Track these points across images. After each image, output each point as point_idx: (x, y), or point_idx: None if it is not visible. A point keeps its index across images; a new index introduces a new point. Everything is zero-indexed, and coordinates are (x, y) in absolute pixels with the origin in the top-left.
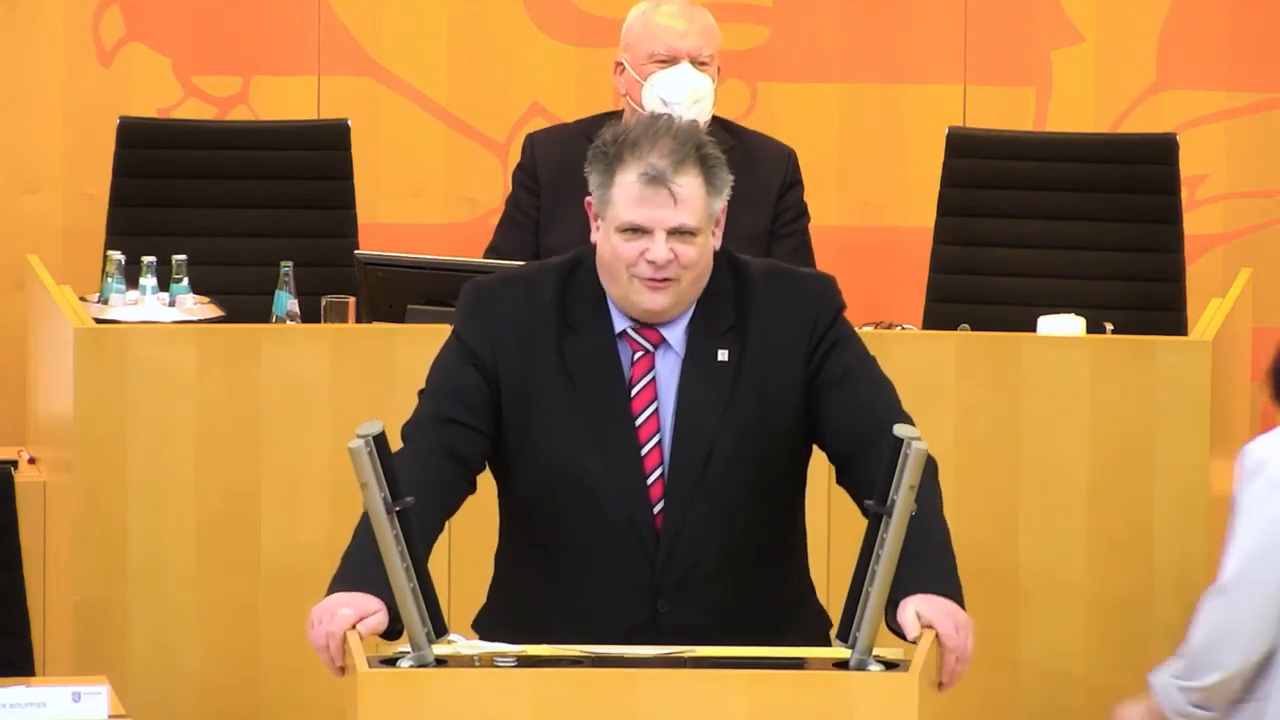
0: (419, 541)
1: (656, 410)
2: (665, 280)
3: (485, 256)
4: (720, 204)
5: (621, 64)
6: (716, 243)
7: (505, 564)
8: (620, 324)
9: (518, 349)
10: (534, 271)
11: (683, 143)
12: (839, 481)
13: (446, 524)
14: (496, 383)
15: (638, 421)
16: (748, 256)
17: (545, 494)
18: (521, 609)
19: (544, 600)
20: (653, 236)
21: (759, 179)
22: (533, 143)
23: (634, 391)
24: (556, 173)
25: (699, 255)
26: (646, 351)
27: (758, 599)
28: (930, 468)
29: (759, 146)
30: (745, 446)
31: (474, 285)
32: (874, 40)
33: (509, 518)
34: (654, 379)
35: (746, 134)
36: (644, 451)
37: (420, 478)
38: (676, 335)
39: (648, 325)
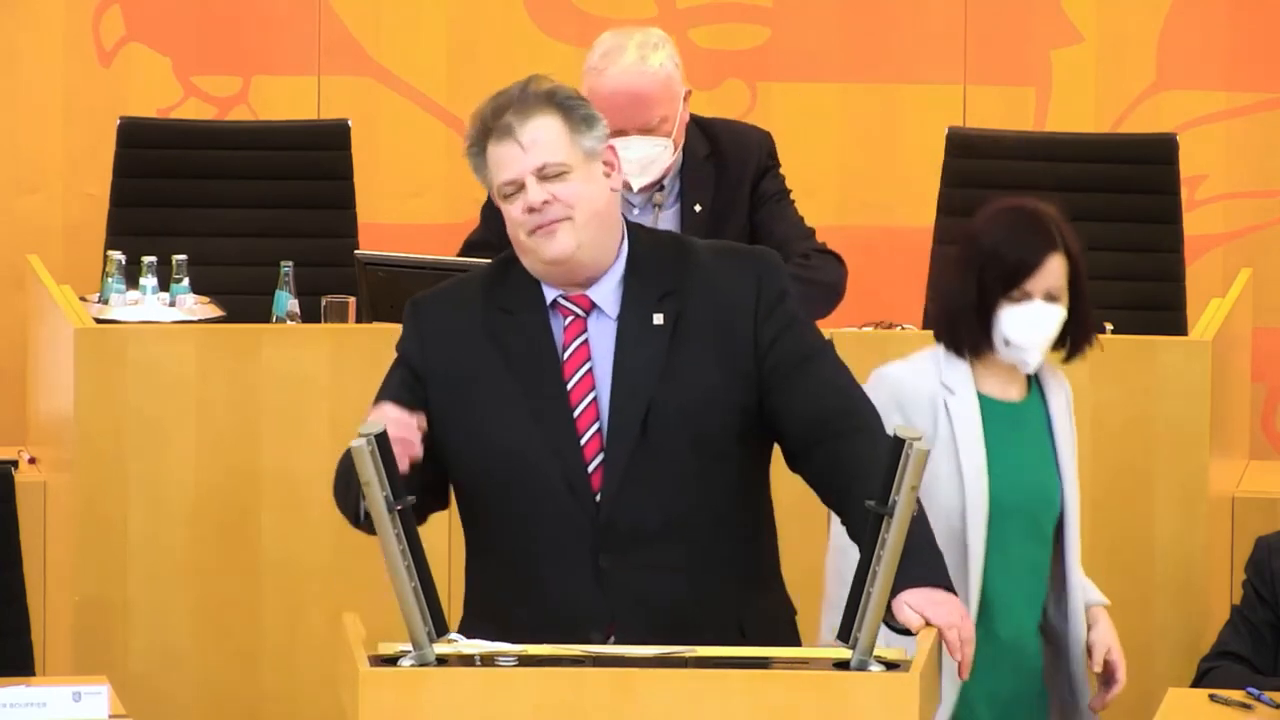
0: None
1: (590, 370)
2: (553, 222)
3: (465, 245)
4: (593, 142)
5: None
6: (614, 183)
7: (469, 563)
8: (550, 295)
9: (449, 341)
10: (468, 274)
11: (524, 95)
12: (793, 467)
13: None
14: (425, 382)
15: (569, 384)
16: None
17: (483, 472)
18: (487, 599)
19: (497, 579)
20: (525, 188)
21: (730, 172)
22: None
23: (566, 355)
24: None
25: (581, 189)
26: (577, 316)
27: (708, 571)
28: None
29: (731, 140)
30: (684, 409)
31: (411, 299)
32: (874, 40)
33: (464, 516)
34: (586, 341)
35: (721, 130)
36: (577, 412)
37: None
38: (606, 298)
39: (576, 292)
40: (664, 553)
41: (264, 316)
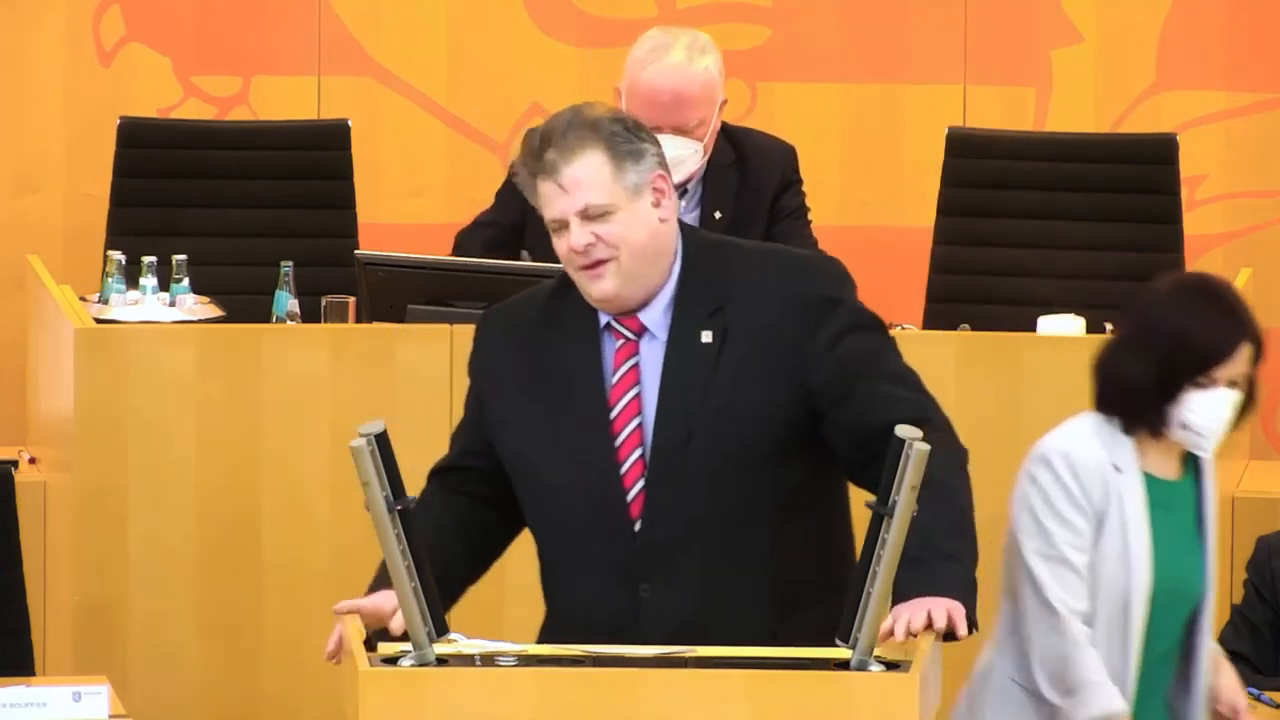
0: (420, 541)
1: (638, 395)
2: (598, 264)
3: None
4: (638, 175)
5: (619, 92)
6: (664, 212)
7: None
8: (604, 319)
9: (503, 361)
10: (538, 288)
11: (572, 127)
12: (852, 479)
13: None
14: (484, 402)
15: (615, 410)
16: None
17: (528, 492)
18: (547, 615)
19: (549, 597)
20: (570, 227)
21: (751, 184)
22: None
23: (615, 379)
24: None
25: (625, 230)
26: (628, 340)
27: (746, 588)
28: (957, 460)
29: (756, 150)
30: (727, 428)
31: (482, 314)
32: (874, 40)
33: (529, 527)
34: (636, 365)
35: (747, 139)
36: (620, 438)
37: (429, 512)
38: (656, 319)
39: (628, 314)
40: (703, 576)
41: (264, 316)
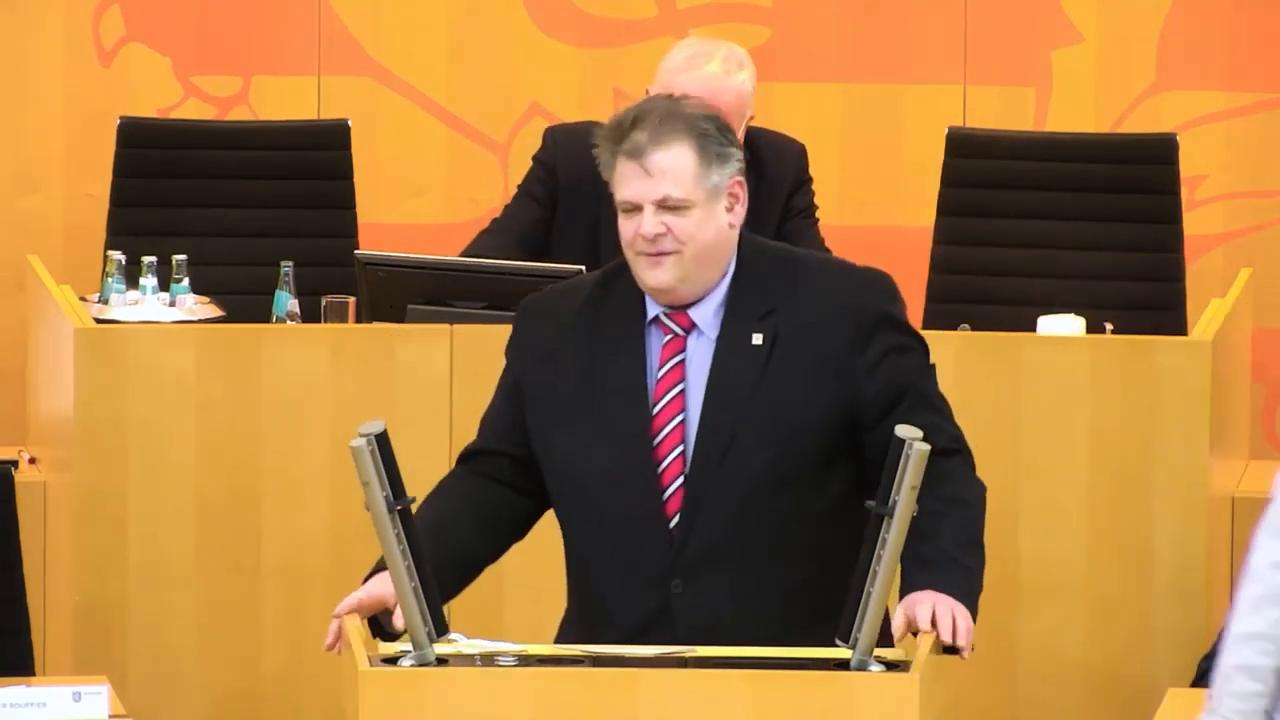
0: (422, 540)
1: (683, 392)
2: (662, 254)
3: (490, 225)
4: (721, 178)
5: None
6: (734, 218)
7: (566, 560)
8: (653, 311)
9: (545, 349)
10: (580, 278)
11: (667, 117)
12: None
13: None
14: (522, 389)
15: (658, 406)
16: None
17: (564, 485)
18: (571, 608)
19: (577, 592)
20: (643, 212)
21: (767, 182)
22: (554, 138)
23: (661, 374)
24: (576, 177)
25: (696, 228)
26: (676, 335)
27: (779, 597)
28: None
29: (770, 149)
30: (772, 431)
31: (522, 301)
32: (874, 40)
33: (559, 520)
34: (682, 361)
35: (761, 139)
36: (660, 436)
37: (448, 494)
38: (707, 318)
39: (678, 309)
40: (737, 578)
41: (264, 316)
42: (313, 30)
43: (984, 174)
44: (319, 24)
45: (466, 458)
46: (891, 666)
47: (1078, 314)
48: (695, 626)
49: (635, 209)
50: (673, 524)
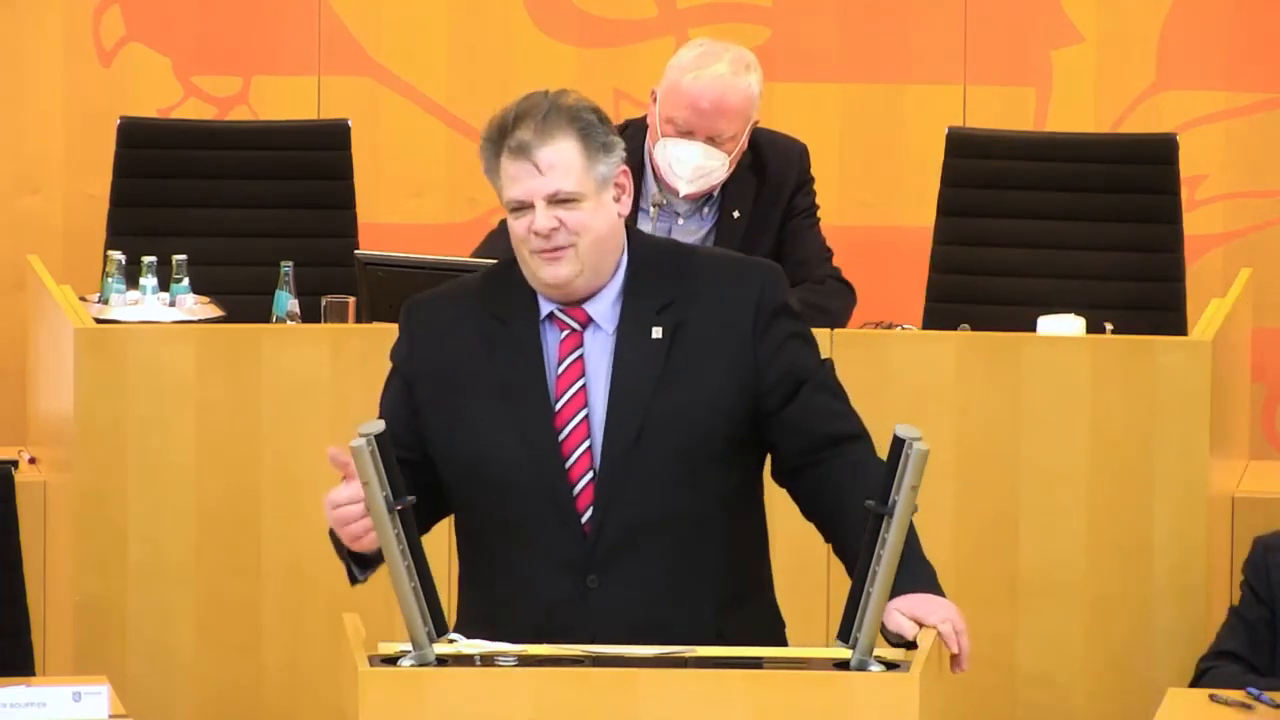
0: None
1: (584, 387)
2: (557, 249)
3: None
4: (607, 168)
5: (655, 96)
6: (622, 208)
7: (461, 572)
8: (546, 308)
9: (438, 347)
10: (466, 277)
11: (550, 111)
12: (779, 481)
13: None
14: (414, 389)
15: (560, 402)
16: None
17: (467, 483)
18: (474, 605)
19: (485, 586)
20: (534, 209)
21: (769, 182)
22: None
23: (560, 370)
24: None
25: (589, 219)
26: (573, 331)
27: (693, 584)
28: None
29: (773, 149)
30: (678, 423)
31: (406, 302)
32: (874, 40)
33: (456, 523)
34: (581, 357)
35: (763, 139)
36: (565, 432)
37: None
38: (604, 313)
39: (573, 305)
40: (649, 568)
41: (264, 316)
42: (313, 30)
43: (984, 174)
44: (319, 24)
45: None
46: (891, 666)
47: (1078, 314)
48: (612, 617)
49: (526, 207)
50: (584, 519)
